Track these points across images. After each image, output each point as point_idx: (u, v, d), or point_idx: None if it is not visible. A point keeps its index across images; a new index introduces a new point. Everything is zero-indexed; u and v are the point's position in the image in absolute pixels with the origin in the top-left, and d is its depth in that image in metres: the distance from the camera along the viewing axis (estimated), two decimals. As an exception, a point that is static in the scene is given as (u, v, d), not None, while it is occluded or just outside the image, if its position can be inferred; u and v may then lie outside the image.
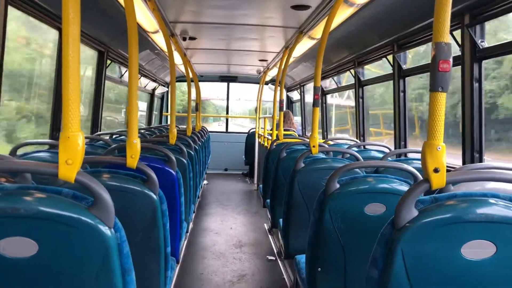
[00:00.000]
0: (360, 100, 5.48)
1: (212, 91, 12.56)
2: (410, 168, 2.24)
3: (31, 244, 1.25)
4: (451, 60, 1.34)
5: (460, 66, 3.06)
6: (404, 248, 1.34)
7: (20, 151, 2.99)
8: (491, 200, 1.37)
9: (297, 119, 9.81)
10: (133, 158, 2.14)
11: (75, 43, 1.32)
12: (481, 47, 2.89)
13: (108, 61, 5.30)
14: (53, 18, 3.53)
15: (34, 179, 2.21)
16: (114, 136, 5.21)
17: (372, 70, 5.50)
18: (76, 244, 1.28)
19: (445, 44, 1.34)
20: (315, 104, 3.37)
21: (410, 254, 1.34)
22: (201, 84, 9.13)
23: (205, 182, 9.02)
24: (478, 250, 1.33)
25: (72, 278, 1.30)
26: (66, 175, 1.31)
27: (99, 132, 5.08)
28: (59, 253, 1.28)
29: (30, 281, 1.28)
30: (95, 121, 5.17)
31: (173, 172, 2.89)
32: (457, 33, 3.08)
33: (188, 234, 5.12)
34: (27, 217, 1.23)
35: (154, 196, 2.08)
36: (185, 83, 6.16)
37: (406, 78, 4.26)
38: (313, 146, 3.30)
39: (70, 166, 1.31)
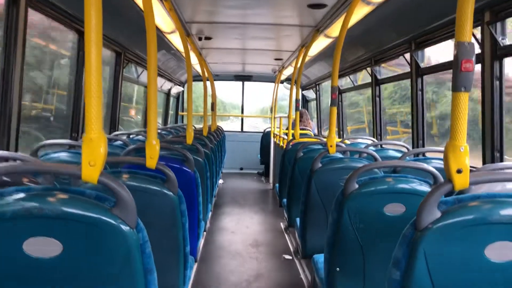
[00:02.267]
0: (377, 98, 5.44)
1: (225, 90, 12.49)
2: (430, 168, 2.22)
3: (56, 244, 1.27)
4: (474, 59, 1.33)
5: (480, 64, 3.02)
6: (427, 250, 1.33)
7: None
8: None
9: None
10: (152, 159, 2.17)
11: (97, 46, 1.34)
12: (502, 45, 2.84)
13: (125, 62, 5.35)
14: (72, 20, 3.57)
15: (56, 180, 2.24)
16: (131, 136, 5.26)
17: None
18: (99, 244, 1.29)
19: (467, 44, 1.32)
20: (332, 103, 3.35)
21: (433, 255, 1.33)
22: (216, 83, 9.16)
23: (221, 181, 9.05)
24: (502, 251, 1.31)
25: (95, 277, 1.32)
26: (89, 176, 1.33)
27: (116, 132, 5.13)
28: (83, 253, 1.30)
29: (54, 281, 1.30)
30: (113, 121, 5.22)
31: (191, 172, 2.91)
32: (477, 31, 3.04)
33: (205, 233, 5.15)
34: (52, 217, 1.25)
35: (174, 196, 2.10)
36: (201, 83, 6.21)
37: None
38: (331, 146, 3.29)
39: (93, 168, 1.33)
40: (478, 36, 3.02)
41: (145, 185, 2.05)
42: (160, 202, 2.07)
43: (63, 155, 2.99)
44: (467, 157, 1.36)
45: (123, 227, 1.30)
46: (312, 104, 10.48)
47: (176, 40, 5.63)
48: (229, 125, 12.74)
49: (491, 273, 1.33)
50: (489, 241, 1.32)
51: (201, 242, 4.85)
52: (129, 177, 2.07)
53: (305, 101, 11.03)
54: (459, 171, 1.35)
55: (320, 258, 2.73)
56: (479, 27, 2.99)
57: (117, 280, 1.33)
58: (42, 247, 1.27)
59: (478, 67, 3.06)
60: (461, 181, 1.35)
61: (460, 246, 1.33)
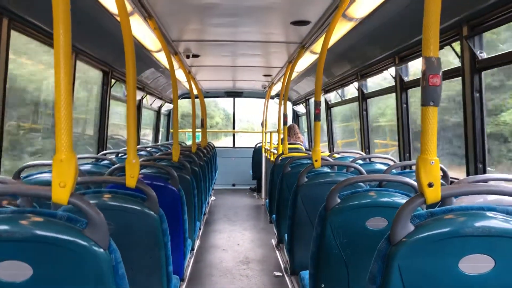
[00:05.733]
0: (364, 113, 5.48)
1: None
2: (411, 181, 2.22)
3: (26, 267, 1.25)
4: (440, 74, 1.34)
5: (460, 78, 3.06)
6: (401, 264, 1.33)
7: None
8: (488, 214, 1.36)
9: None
10: (132, 178, 2.15)
11: (66, 65, 1.34)
12: (480, 58, 2.89)
13: (113, 81, 5.36)
14: None
15: (36, 200, 2.23)
16: (120, 155, 5.24)
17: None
18: (71, 266, 1.28)
19: (434, 59, 1.34)
20: (316, 118, 3.37)
21: (407, 269, 1.33)
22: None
23: (212, 198, 9.01)
24: (476, 264, 1.31)
25: None
26: (59, 197, 1.32)
27: (104, 151, 5.11)
28: (54, 276, 1.28)
29: None
30: (101, 141, 5.21)
31: (176, 190, 2.89)
32: (456, 45, 3.08)
33: (194, 251, 5.10)
34: (22, 240, 1.24)
35: (154, 215, 2.08)
36: (196, 100, 6.23)
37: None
38: (316, 160, 3.29)
39: (63, 189, 1.32)
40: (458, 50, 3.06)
41: (125, 204, 2.04)
42: (141, 222, 2.05)
43: (46, 176, 2.96)
44: (438, 170, 1.37)
45: (95, 248, 1.29)
46: (303, 119, 10.52)
47: (164, 58, 5.66)
48: (242, 141, 12.56)
49: (466, 286, 1.32)
50: (463, 254, 1.32)
51: (191, 260, 4.80)
52: (109, 197, 2.06)
53: (296, 116, 11.08)
54: (430, 185, 1.35)
55: (306, 274, 2.71)
56: (458, 42, 3.04)
57: None
58: (12, 271, 1.25)
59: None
60: (432, 195, 1.36)
61: (434, 259, 1.32)
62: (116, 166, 3.04)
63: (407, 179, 2.24)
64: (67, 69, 1.34)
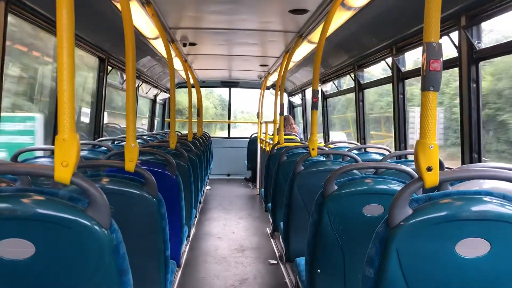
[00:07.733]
0: (360, 103, 5.49)
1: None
2: (407, 168, 2.24)
3: (28, 245, 1.26)
4: (441, 59, 1.35)
5: (457, 68, 3.07)
6: (399, 247, 1.35)
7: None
8: (485, 198, 1.38)
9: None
10: (131, 162, 2.16)
11: (70, 46, 1.34)
12: (477, 48, 2.90)
13: (110, 68, 5.33)
14: (52, 25, 3.55)
15: (34, 184, 2.23)
16: (116, 142, 5.23)
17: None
18: (72, 245, 1.29)
19: (435, 44, 1.35)
20: (313, 107, 3.38)
21: (405, 252, 1.35)
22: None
23: (207, 187, 9.03)
24: (472, 248, 1.34)
25: (68, 279, 1.31)
26: (62, 177, 1.33)
27: (101, 138, 5.11)
28: (56, 255, 1.29)
29: (27, 283, 1.29)
30: (97, 128, 5.20)
31: (173, 176, 2.90)
32: (454, 35, 3.10)
33: (190, 239, 5.13)
34: (24, 218, 1.25)
35: (153, 199, 2.09)
36: (192, 89, 6.20)
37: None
38: (312, 149, 3.31)
39: (65, 168, 1.32)
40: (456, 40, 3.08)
41: (123, 188, 2.05)
42: (139, 206, 2.06)
43: (44, 160, 2.96)
44: (437, 155, 1.38)
45: (96, 228, 1.30)
46: (299, 110, 10.52)
47: (160, 46, 5.63)
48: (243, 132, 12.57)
49: (462, 269, 1.35)
50: (459, 238, 1.34)
51: (186, 247, 4.83)
52: (107, 180, 2.06)
53: (292, 106, 11.07)
54: (429, 169, 1.37)
55: (302, 261, 2.74)
56: (456, 32, 3.05)
57: (90, 281, 1.32)
58: (15, 249, 1.26)
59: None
60: (431, 179, 1.38)
61: (431, 243, 1.35)
62: (114, 151, 3.04)
63: (404, 167, 2.26)
64: (69, 49, 1.34)
